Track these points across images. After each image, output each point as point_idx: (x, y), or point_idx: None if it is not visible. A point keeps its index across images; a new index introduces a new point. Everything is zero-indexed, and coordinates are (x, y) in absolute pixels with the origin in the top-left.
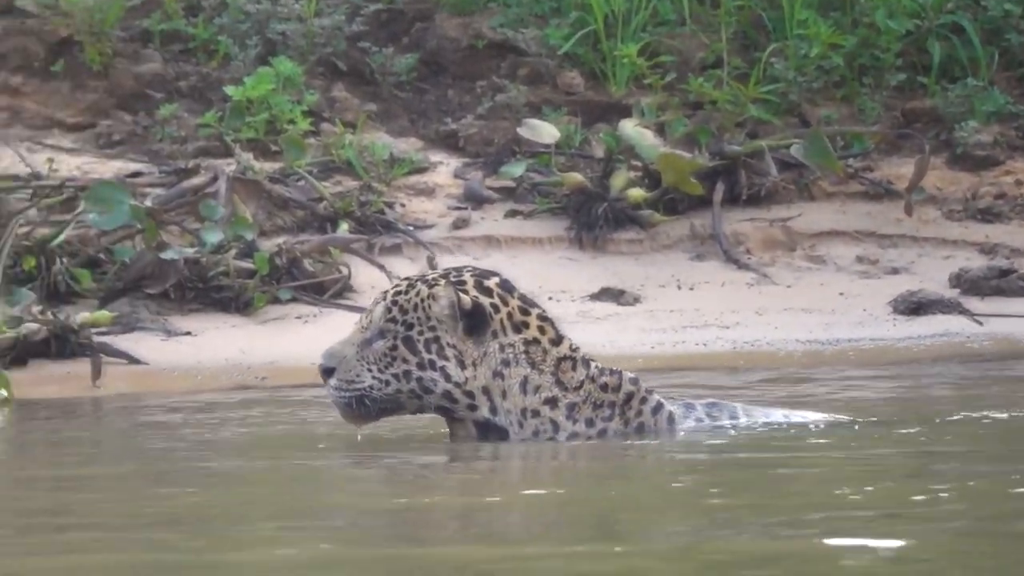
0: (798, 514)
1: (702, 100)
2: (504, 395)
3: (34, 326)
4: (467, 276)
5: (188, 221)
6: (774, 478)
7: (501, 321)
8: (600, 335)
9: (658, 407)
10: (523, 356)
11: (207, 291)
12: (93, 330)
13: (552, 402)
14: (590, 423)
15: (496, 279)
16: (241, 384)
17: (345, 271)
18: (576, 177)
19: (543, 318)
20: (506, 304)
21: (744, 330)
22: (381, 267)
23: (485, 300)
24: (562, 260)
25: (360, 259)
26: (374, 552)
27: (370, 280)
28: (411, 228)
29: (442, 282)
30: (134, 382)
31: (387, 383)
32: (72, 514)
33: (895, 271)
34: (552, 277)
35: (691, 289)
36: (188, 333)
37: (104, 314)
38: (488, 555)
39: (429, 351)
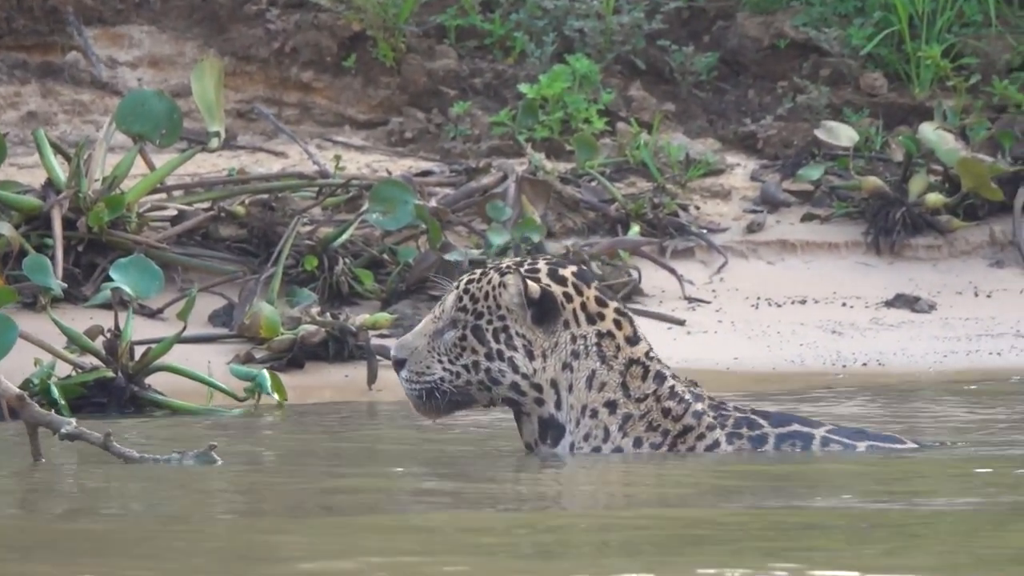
0: None
1: (1006, 103)
2: (570, 388)
3: (312, 328)
4: (541, 264)
5: (475, 222)
6: None
7: (574, 311)
8: (891, 343)
9: (714, 446)
10: (594, 348)
11: None
12: (372, 332)
13: (611, 406)
14: (638, 443)
15: (573, 268)
16: None
17: (635, 274)
18: (874, 181)
19: (620, 313)
20: (581, 294)
21: None
22: (672, 270)
23: (557, 289)
24: (857, 265)
25: (650, 262)
26: None
27: (660, 284)
28: (704, 231)
29: (514, 269)
30: None
31: (457, 375)
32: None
33: None
34: (846, 282)
35: (988, 296)
36: None
37: (384, 316)
38: None
39: (497, 340)
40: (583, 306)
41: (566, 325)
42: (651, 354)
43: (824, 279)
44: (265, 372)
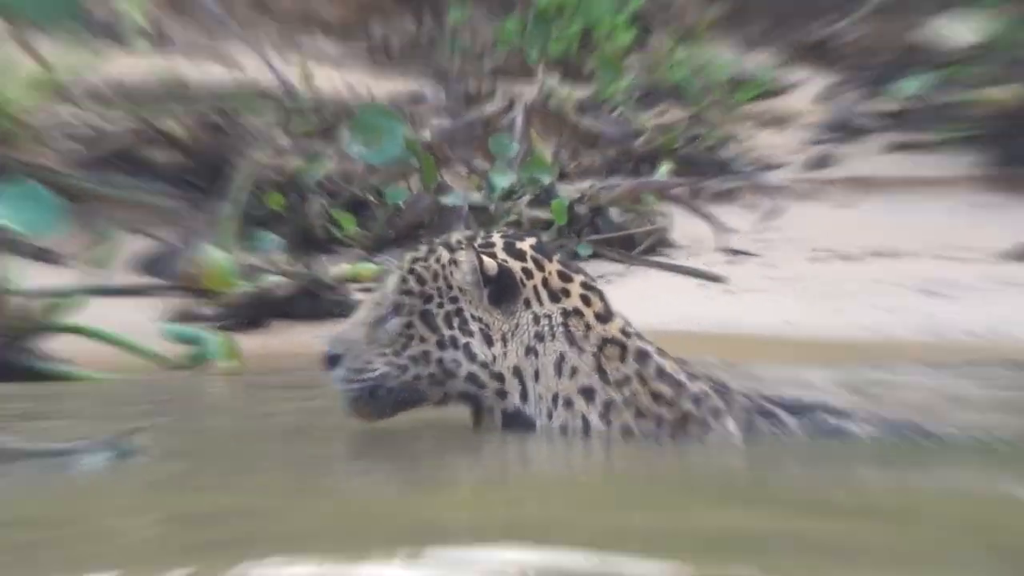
0: None
1: None
2: (536, 376)
3: (277, 279)
4: (497, 238)
5: (476, 159)
6: None
7: (535, 288)
8: (1009, 309)
9: (725, 436)
10: (560, 329)
11: None
12: (353, 286)
13: (588, 393)
14: (626, 431)
15: (531, 241)
16: None
17: (663, 221)
18: (999, 94)
19: (588, 287)
20: (542, 269)
21: None
22: (708, 217)
23: (516, 264)
24: (969, 207)
25: (682, 208)
26: None
27: (694, 233)
28: (753, 168)
29: (467, 244)
30: None
31: (404, 368)
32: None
33: None
34: (952, 229)
35: None
36: None
37: (367, 267)
38: None
39: (450, 326)
40: (545, 282)
41: (527, 304)
42: (627, 330)
43: (919, 225)
44: (205, 333)
